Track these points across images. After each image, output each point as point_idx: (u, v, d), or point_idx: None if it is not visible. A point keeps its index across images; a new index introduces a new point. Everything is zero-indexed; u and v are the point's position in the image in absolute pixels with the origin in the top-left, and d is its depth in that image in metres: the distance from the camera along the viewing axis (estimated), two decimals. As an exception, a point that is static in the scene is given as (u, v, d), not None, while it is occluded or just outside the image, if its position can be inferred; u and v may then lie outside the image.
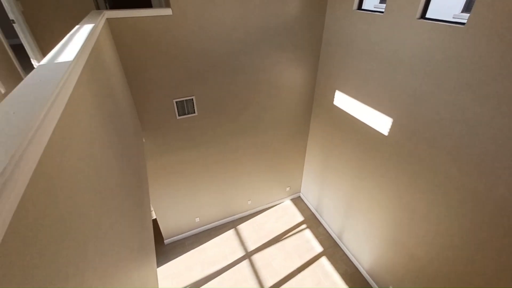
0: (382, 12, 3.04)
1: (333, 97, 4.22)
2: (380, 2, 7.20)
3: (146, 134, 3.86)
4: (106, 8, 4.57)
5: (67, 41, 1.53)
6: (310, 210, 5.90)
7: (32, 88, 0.87)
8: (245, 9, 3.44)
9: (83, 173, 0.99)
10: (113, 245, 1.21)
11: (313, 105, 4.86)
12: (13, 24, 3.54)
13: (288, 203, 6.15)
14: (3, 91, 2.59)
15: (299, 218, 5.74)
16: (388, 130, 3.35)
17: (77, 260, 0.79)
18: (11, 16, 3.50)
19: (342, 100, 4.03)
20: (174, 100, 3.68)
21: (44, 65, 1.10)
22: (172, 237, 5.27)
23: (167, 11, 3.12)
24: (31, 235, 0.58)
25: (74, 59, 1.18)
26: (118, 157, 1.71)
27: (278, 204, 6.14)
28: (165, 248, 5.13)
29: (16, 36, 4.36)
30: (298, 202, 6.17)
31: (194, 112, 3.91)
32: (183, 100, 3.74)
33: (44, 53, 3.98)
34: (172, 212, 4.94)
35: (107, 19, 2.89)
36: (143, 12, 3.04)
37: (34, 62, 3.79)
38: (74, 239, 0.80)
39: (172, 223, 5.08)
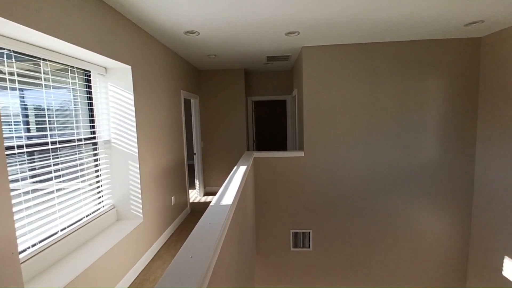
0: None
1: (501, 265, 3.07)
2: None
3: (257, 259, 3.90)
4: (254, 150, 5.95)
5: (229, 181, 2.02)
6: None
7: (205, 230, 1.13)
8: (375, 152, 3.58)
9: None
10: None
11: (468, 273, 3.65)
12: (194, 155, 5.10)
13: None
14: (173, 203, 3.51)
15: None
16: None
17: None
18: (194, 150, 5.11)
19: (519, 275, 2.84)
20: (291, 230, 3.75)
21: (213, 206, 1.46)
22: None
23: (300, 153, 3.69)
24: None
25: (232, 203, 1.51)
26: (239, 280, 1.76)
27: None
28: None
29: (191, 159, 6.12)
30: None
31: (309, 247, 3.75)
32: (299, 232, 3.74)
33: (204, 174, 5.32)
34: None
35: (254, 158, 3.70)
36: (282, 153, 3.73)
37: (196, 182, 5.08)
38: None
39: None
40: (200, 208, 4.36)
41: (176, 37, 3.05)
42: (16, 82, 1.68)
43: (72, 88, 2.21)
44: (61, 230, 1.96)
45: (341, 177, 3.66)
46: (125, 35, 2.39)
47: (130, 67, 2.49)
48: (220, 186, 5.35)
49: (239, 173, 2.32)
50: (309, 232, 3.72)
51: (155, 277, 2.42)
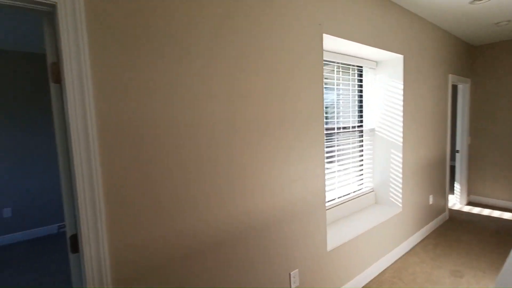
0: None
1: None
2: None
3: None
4: None
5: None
6: None
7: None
8: None
9: None
10: None
11: None
12: (456, 153, 4.20)
13: None
14: (430, 203, 3.15)
15: None
16: None
17: None
18: (457, 146, 4.19)
19: None
20: None
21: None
22: None
23: None
24: None
25: None
26: None
27: None
28: None
29: (452, 159, 5.08)
30: None
31: None
32: None
33: (469, 178, 4.22)
34: None
35: None
36: None
37: (457, 186, 4.16)
38: None
39: None
40: (462, 219, 3.54)
41: (456, 11, 2.61)
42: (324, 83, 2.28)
43: (350, 84, 2.63)
44: (338, 198, 2.46)
45: None
46: (396, 22, 2.42)
47: (402, 56, 2.50)
48: (493, 197, 3.98)
49: None
50: None
51: (414, 271, 2.33)
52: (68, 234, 1.12)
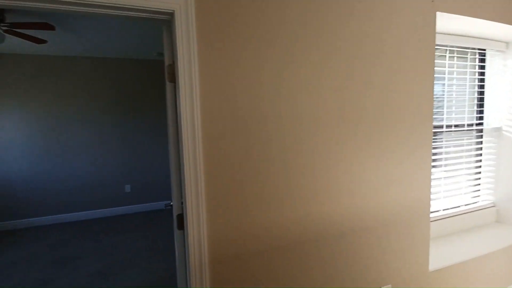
0: None
1: None
2: None
3: None
4: None
5: None
6: None
7: None
8: None
9: None
10: None
11: None
12: None
13: None
14: None
15: None
16: None
17: None
18: None
19: None
20: None
21: None
22: None
23: None
24: None
25: None
26: None
27: None
28: None
29: None
30: None
31: None
32: None
33: None
34: None
35: None
36: None
37: None
38: None
39: None
40: None
41: None
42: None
43: (468, 72, 2.14)
44: (443, 210, 2.06)
45: None
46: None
47: (552, 31, 1.87)
48: None
49: None
50: None
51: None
52: (175, 213, 1.29)
